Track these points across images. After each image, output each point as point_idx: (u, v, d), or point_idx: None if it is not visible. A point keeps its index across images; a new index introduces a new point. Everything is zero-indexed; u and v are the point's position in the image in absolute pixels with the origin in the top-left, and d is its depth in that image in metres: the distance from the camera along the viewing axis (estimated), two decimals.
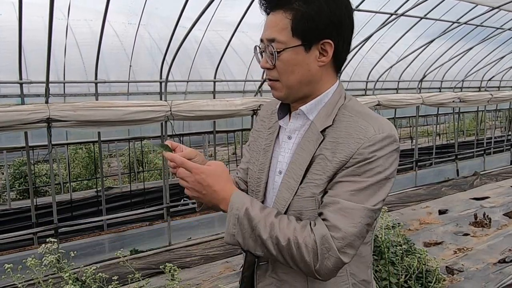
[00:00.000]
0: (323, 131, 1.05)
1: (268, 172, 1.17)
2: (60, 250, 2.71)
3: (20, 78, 4.05)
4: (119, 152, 9.80)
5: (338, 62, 1.09)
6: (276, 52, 1.03)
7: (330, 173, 1.01)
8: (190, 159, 1.13)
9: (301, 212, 1.04)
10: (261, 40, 1.08)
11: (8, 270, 2.39)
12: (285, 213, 1.06)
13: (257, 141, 1.25)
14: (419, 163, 8.18)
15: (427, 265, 3.28)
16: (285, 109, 1.18)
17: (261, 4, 1.08)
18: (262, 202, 1.17)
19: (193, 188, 1.05)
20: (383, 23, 5.65)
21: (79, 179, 8.71)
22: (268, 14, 1.08)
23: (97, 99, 4.56)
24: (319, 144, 1.04)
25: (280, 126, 1.18)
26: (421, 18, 5.96)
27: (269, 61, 1.06)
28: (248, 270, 1.21)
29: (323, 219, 0.98)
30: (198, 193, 1.06)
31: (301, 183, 1.05)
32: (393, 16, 5.56)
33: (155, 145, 1.16)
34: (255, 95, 5.67)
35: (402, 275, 3.14)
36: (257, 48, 1.11)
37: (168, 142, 1.13)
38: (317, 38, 1.03)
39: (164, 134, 4.98)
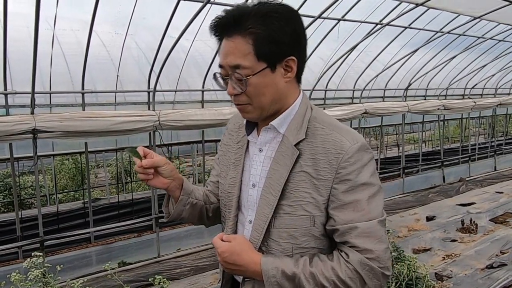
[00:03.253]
0: (297, 145, 1.06)
1: (240, 186, 1.17)
2: (46, 264, 2.65)
3: (5, 88, 3.99)
4: (107, 162, 9.67)
5: (299, 74, 1.10)
6: (245, 80, 1.01)
7: (322, 192, 1.03)
8: (158, 167, 1.14)
9: (296, 230, 1.05)
10: (221, 66, 1.06)
11: None
12: (274, 230, 1.07)
13: (226, 155, 1.25)
14: (406, 170, 8.27)
15: (417, 272, 3.30)
16: (252, 123, 1.18)
17: (214, 30, 1.05)
18: (236, 215, 1.18)
19: (226, 268, 1.09)
20: (369, 32, 5.74)
21: (65, 190, 8.55)
22: (221, 39, 1.05)
23: (84, 110, 4.51)
24: (296, 159, 1.05)
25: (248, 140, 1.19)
26: (406, 27, 6.08)
27: (236, 87, 1.05)
28: (227, 285, 1.23)
29: (351, 246, 1.01)
30: (230, 271, 1.09)
31: (282, 199, 1.05)
32: (379, 26, 5.66)
33: (127, 149, 1.16)
34: None
35: (392, 282, 3.15)
36: (217, 74, 1.09)
37: (140, 148, 1.13)
38: (282, 58, 1.03)
39: (152, 144, 4.94)
